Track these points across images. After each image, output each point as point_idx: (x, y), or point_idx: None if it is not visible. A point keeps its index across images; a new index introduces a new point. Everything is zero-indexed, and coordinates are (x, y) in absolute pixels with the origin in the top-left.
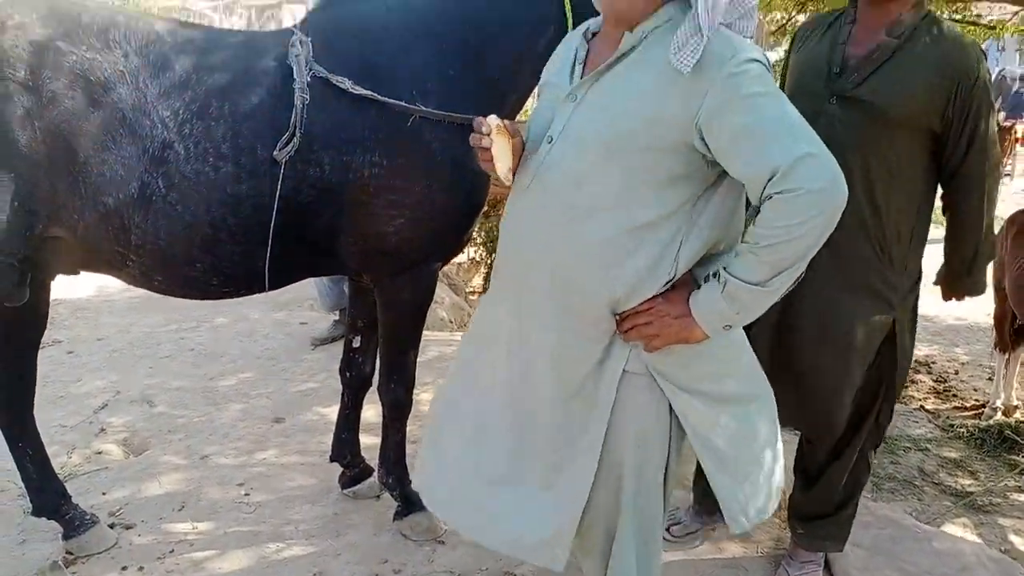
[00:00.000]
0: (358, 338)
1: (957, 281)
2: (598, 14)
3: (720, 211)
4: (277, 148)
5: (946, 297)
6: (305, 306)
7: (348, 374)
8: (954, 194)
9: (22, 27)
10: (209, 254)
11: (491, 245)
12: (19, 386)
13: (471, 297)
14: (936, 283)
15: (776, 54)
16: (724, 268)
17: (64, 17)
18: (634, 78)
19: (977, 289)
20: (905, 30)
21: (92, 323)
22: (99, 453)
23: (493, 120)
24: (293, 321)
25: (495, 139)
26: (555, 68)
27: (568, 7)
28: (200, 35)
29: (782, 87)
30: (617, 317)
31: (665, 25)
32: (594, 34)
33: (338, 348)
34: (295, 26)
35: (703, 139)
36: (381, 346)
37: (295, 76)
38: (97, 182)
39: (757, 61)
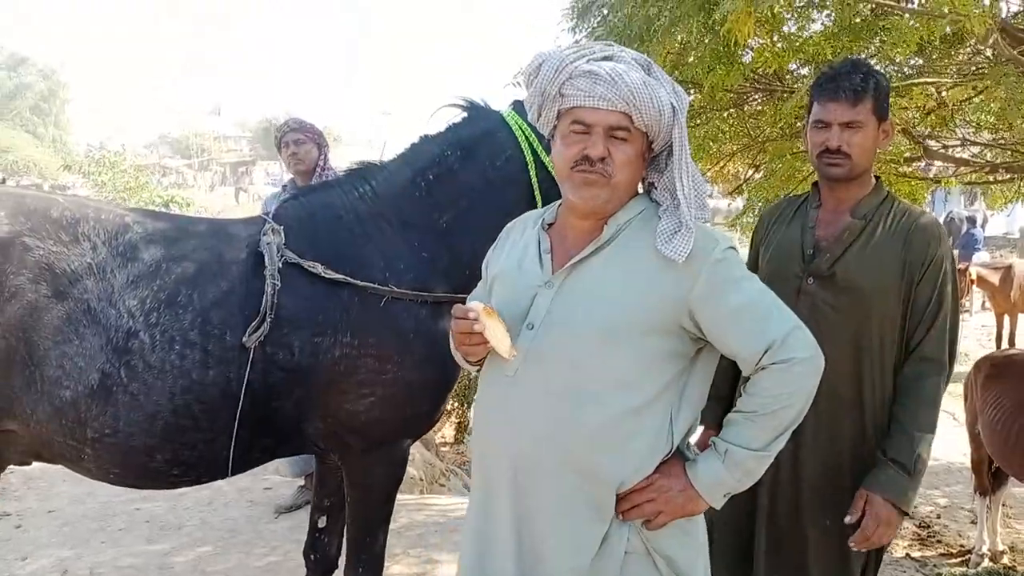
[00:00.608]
0: (324, 518)
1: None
2: (558, 197)
3: (701, 386)
4: (247, 334)
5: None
6: (270, 470)
7: (312, 556)
8: (909, 376)
9: None
10: (171, 443)
11: (462, 395)
12: None
13: (442, 450)
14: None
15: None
16: (721, 439)
17: (32, 213)
18: (619, 265)
19: (911, 500)
20: (868, 211)
21: (44, 493)
22: None
23: (478, 305)
24: (256, 487)
25: (486, 322)
26: (510, 257)
27: (538, 193)
28: (170, 224)
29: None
30: (615, 496)
31: (639, 217)
32: (550, 224)
33: (303, 515)
34: (266, 214)
35: (692, 319)
36: (348, 527)
37: (266, 262)
38: (55, 375)
39: (733, 249)
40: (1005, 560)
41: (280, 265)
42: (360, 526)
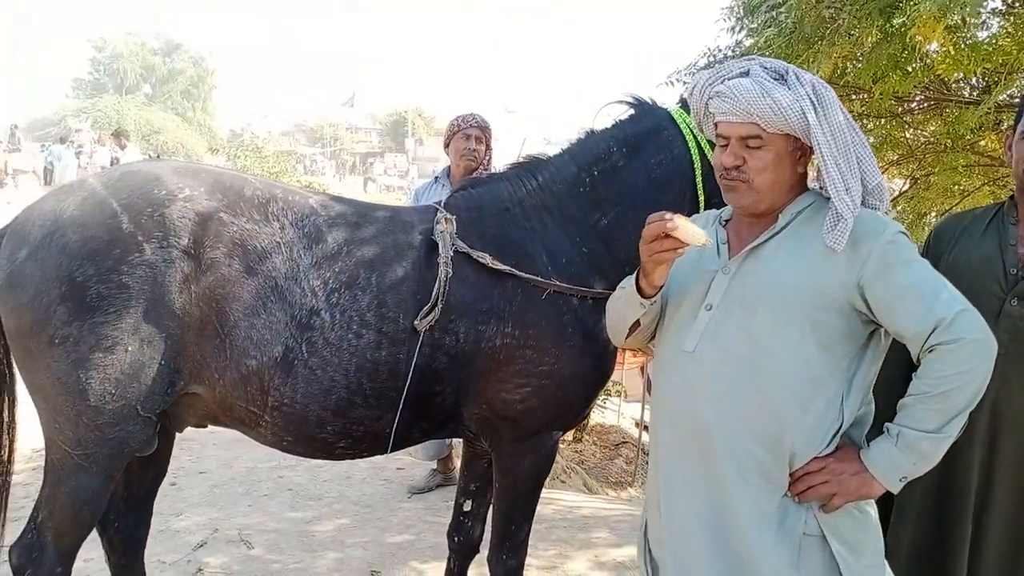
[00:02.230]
0: (469, 502)
1: None
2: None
3: (869, 372)
4: (418, 318)
5: None
6: (402, 451)
7: (456, 538)
8: None
9: (190, 199)
10: (342, 418)
11: None
12: (135, 531)
13: (561, 446)
14: None
15: None
16: (894, 423)
17: (228, 190)
18: (790, 250)
19: None
20: None
21: (196, 455)
22: None
23: (659, 215)
24: (390, 466)
25: (678, 221)
26: (690, 252)
27: (701, 192)
28: (351, 209)
29: None
30: (789, 478)
31: (810, 208)
32: (726, 221)
33: (434, 498)
34: (438, 203)
35: (864, 299)
36: (495, 514)
37: (440, 250)
38: (243, 345)
39: (903, 233)
40: None
41: (452, 253)
42: (507, 514)
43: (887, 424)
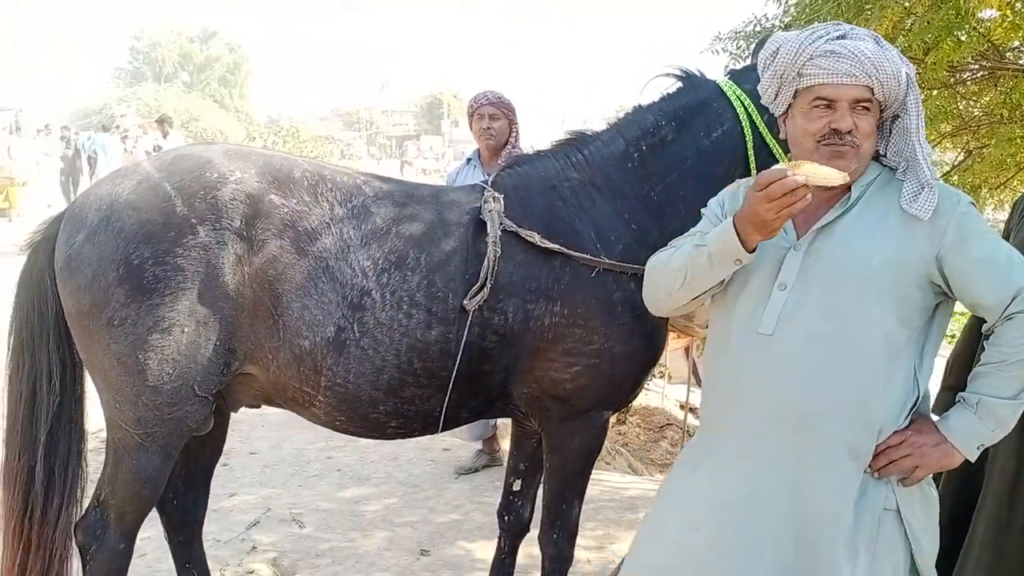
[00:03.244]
0: (519, 481)
1: None
2: None
3: (935, 344)
4: (468, 297)
5: None
6: (447, 432)
7: (507, 518)
8: None
9: (241, 181)
10: (393, 397)
11: None
12: (193, 509)
13: None
14: None
15: None
16: (971, 392)
17: (278, 172)
18: (866, 224)
19: None
20: None
21: (246, 436)
22: (250, 573)
23: (780, 167)
24: (436, 447)
25: (802, 170)
26: None
27: (753, 165)
28: (398, 189)
29: None
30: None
31: (878, 179)
32: None
33: (480, 479)
34: (485, 181)
35: (940, 271)
36: (546, 494)
37: (488, 229)
38: (296, 325)
39: (973, 204)
40: None
41: (500, 232)
42: (557, 493)
43: (962, 394)
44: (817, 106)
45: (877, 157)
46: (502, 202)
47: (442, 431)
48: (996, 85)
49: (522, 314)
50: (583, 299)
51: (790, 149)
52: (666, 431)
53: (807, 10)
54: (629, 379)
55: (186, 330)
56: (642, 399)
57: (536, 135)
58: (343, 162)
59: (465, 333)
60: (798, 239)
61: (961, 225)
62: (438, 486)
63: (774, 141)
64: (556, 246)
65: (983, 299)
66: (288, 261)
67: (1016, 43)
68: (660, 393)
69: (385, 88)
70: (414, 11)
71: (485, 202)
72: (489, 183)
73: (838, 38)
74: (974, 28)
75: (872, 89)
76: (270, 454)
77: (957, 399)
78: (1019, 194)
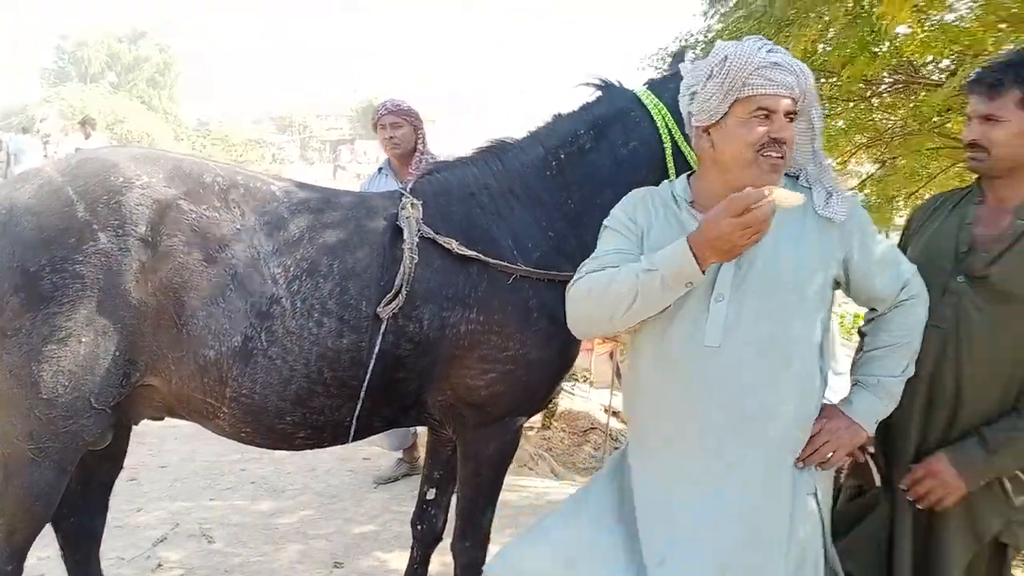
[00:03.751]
0: (433, 490)
1: (971, 462)
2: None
3: (829, 332)
4: (381, 305)
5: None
6: (367, 441)
7: (420, 527)
8: None
9: (148, 186)
10: (301, 407)
11: None
12: (90, 526)
13: (528, 433)
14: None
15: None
16: (869, 374)
17: (188, 177)
18: (791, 233)
19: (987, 475)
20: None
21: (156, 449)
22: None
23: (759, 192)
24: (356, 457)
25: (776, 192)
26: (664, 235)
27: (672, 174)
28: (314, 195)
29: None
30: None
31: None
32: (690, 203)
33: (400, 488)
34: (403, 188)
35: (845, 270)
36: (459, 501)
37: (405, 236)
38: (201, 335)
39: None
40: None
41: (417, 239)
42: (470, 500)
43: (859, 377)
44: (757, 116)
45: None
46: (420, 208)
47: (354, 440)
48: (909, 98)
49: (438, 321)
50: (500, 306)
51: (715, 159)
52: (589, 435)
53: (730, 27)
54: (544, 385)
55: (84, 340)
56: (567, 403)
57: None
58: (274, 166)
59: (378, 341)
60: None
61: (863, 225)
62: (356, 496)
63: (690, 150)
64: (474, 253)
65: (880, 292)
66: (195, 269)
67: (929, 58)
68: (585, 397)
69: (357, 91)
70: (381, 24)
71: (403, 208)
72: (407, 189)
73: (770, 51)
74: (892, 43)
75: (796, 100)
76: (181, 467)
77: (853, 383)
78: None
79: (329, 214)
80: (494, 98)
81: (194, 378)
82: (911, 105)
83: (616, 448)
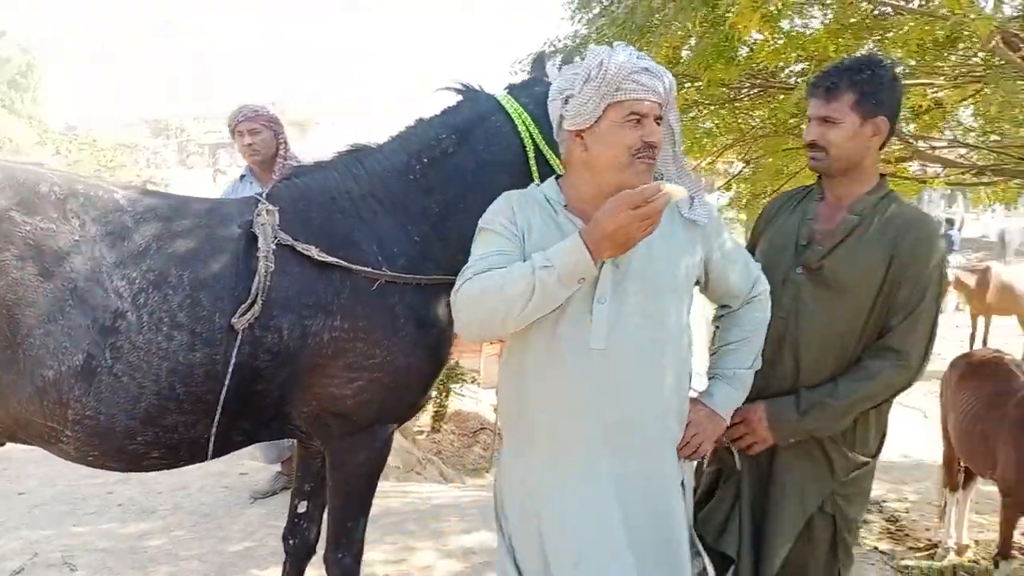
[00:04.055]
0: (304, 503)
1: (783, 418)
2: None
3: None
4: (236, 315)
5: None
6: (246, 455)
7: (291, 541)
8: (861, 359)
9: None
10: (153, 426)
11: (442, 383)
12: None
13: (418, 438)
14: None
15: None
16: (725, 368)
17: (21, 187)
18: (663, 233)
19: (797, 434)
20: (865, 208)
21: (14, 475)
22: None
23: (654, 186)
24: (232, 472)
25: (667, 187)
26: (544, 239)
27: (537, 178)
28: (162, 203)
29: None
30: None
31: None
32: (564, 205)
33: (278, 502)
34: (260, 194)
35: (705, 267)
36: (330, 512)
37: (260, 243)
38: (39, 355)
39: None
40: (970, 554)
41: (274, 247)
42: (341, 511)
43: (717, 371)
44: (630, 120)
45: None
46: (276, 215)
47: (213, 458)
48: (768, 102)
49: (299, 330)
50: (364, 313)
51: (588, 162)
52: (479, 436)
53: (595, 33)
54: (413, 392)
55: None
56: (456, 405)
57: None
58: (148, 172)
59: (234, 353)
60: None
61: (719, 226)
62: (231, 513)
63: (552, 153)
64: (335, 259)
65: (734, 289)
66: (30, 285)
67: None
68: (474, 398)
69: (198, 92)
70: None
71: (258, 215)
72: (264, 195)
73: (639, 57)
74: (748, 50)
75: (663, 105)
76: (41, 493)
77: (711, 376)
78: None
79: (178, 222)
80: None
81: (32, 401)
82: (769, 108)
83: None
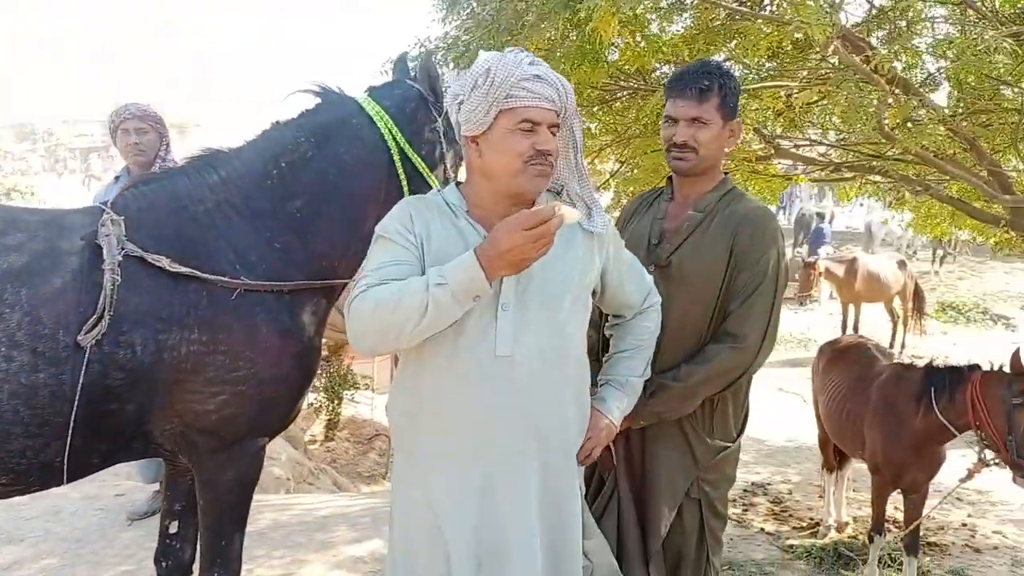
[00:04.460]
0: (175, 523)
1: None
2: (427, 188)
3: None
4: (82, 332)
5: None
6: (122, 475)
7: (164, 563)
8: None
9: None
10: None
11: (332, 391)
12: None
13: (311, 448)
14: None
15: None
16: (618, 375)
17: None
18: (562, 241)
19: (646, 417)
20: (709, 205)
21: None
22: None
23: (549, 208)
24: (107, 494)
25: (564, 209)
26: (447, 247)
27: (404, 182)
28: None
29: None
30: None
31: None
32: (467, 211)
33: (156, 522)
34: (105, 203)
35: (602, 279)
36: (201, 531)
37: (105, 255)
38: None
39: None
40: (849, 531)
41: (120, 258)
42: (213, 530)
43: (609, 378)
44: (522, 128)
45: None
46: (122, 225)
47: (70, 481)
48: (639, 103)
49: (153, 345)
50: (224, 324)
51: (483, 168)
52: (375, 442)
53: (464, 35)
54: (282, 403)
55: None
56: (350, 411)
57: None
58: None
59: (82, 372)
60: None
61: (614, 237)
62: (107, 537)
63: (417, 156)
64: (188, 270)
65: (629, 298)
66: None
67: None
68: (369, 404)
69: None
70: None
71: (102, 225)
72: (108, 204)
73: (532, 63)
74: (615, 53)
75: (559, 113)
76: None
77: (604, 383)
78: None
79: (12, 236)
80: None
81: None
82: (639, 109)
83: None
